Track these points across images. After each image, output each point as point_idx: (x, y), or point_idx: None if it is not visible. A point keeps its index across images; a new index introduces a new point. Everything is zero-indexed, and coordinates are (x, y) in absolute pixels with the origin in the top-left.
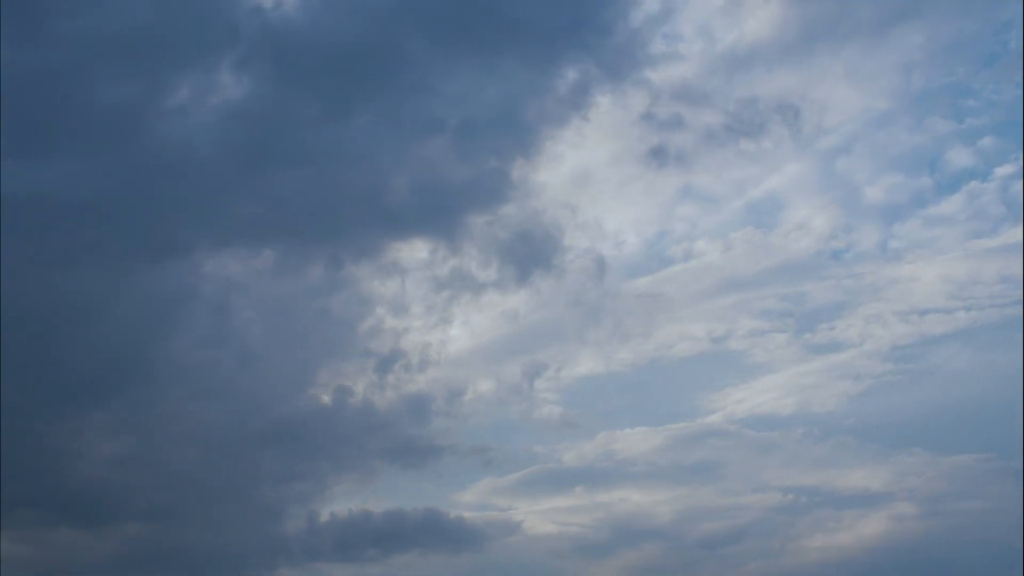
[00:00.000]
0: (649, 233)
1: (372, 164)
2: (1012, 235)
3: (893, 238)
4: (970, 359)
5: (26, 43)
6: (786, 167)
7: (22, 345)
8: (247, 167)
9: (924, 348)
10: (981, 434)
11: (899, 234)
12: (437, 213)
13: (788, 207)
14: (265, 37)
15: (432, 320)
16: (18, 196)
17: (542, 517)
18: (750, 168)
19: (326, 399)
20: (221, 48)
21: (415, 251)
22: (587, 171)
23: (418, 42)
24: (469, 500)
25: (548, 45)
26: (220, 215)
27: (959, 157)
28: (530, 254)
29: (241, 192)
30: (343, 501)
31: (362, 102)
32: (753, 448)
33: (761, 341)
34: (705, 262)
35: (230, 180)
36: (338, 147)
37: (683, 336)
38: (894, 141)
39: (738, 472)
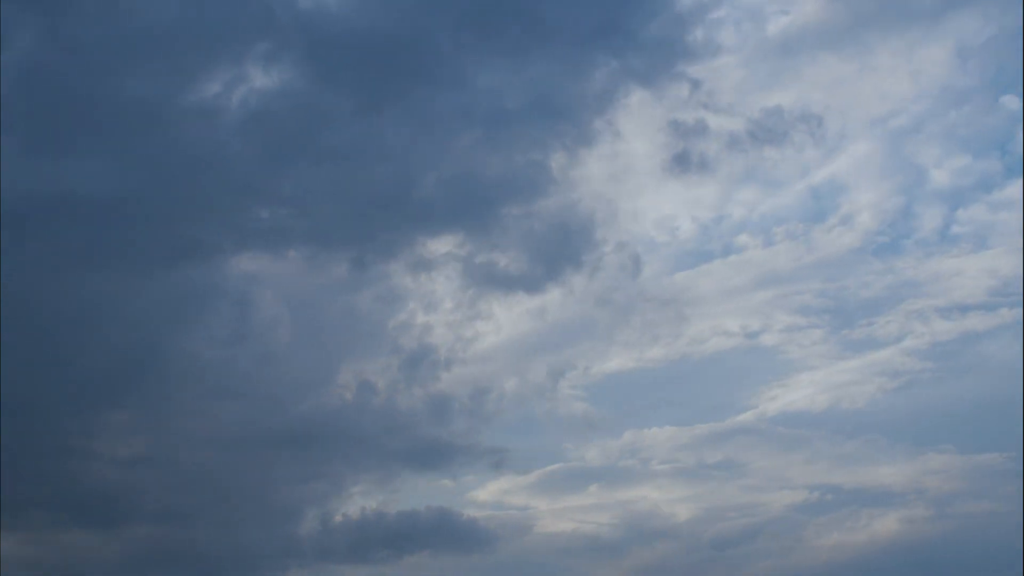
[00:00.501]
0: (706, 218)
1: (404, 159)
2: None
3: (956, 223)
4: (1012, 356)
5: (49, 39)
6: (851, 148)
7: (38, 345)
8: (275, 163)
9: (965, 345)
10: (1013, 432)
11: (962, 219)
12: (468, 208)
13: (849, 191)
14: (298, 27)
15: (460, 317)
16: (40, 195)
17: (558, 517)
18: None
19: (347, 398)
20: (252, 39)
21: (445, 246)
22: (626, 165)
23: (451, 34)
24: (487, 500)
25: (581, 42)
26: (245, 213)
27: None
28: (563, 249)
29: (268, 189)
30: (359, 502)
31: (395, 96)
32: (782, 446)
33: (797, 337)
34: (745, 257)
35: (257, 177)
36: (369, 142)
37: (716, 331)
38: (963, 123)
39: (764, 470)
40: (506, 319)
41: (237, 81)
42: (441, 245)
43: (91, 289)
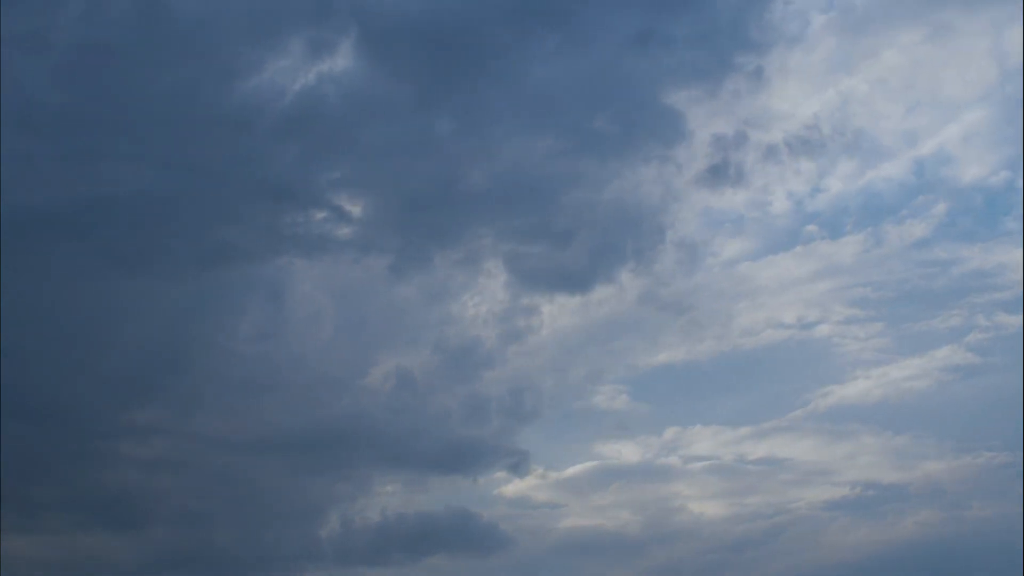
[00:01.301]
0: (801, 193)
1: (451, 153)
2: None
3: None
4: None
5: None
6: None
7: (66, 347)
8: (316, 162)
9: None
10: None
11: None
12: (517, 202)
13: (956, 163)
14: (354, 13)
15: (505, 314)
16: (76, 198)
17: (581, 516)
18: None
19: (380, 397)
20: (301, 28)
21: (492, 241)
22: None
23: (504, 24)
24: (514, 498)
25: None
26: (282, 217)
27: None
28: (614, 244)
29: (307, 191)
30: (382, 503)
31: (445, 89)
32: (830, 439)
33: (854, 330)
34: (810, 248)
35: (296, 179)
36: (417, 136)
37: (771, 323)
38: None
39: (807, 464)
40: (554, 314)
41: (280, 77)
42: (488, 240)
43: (122, 291)
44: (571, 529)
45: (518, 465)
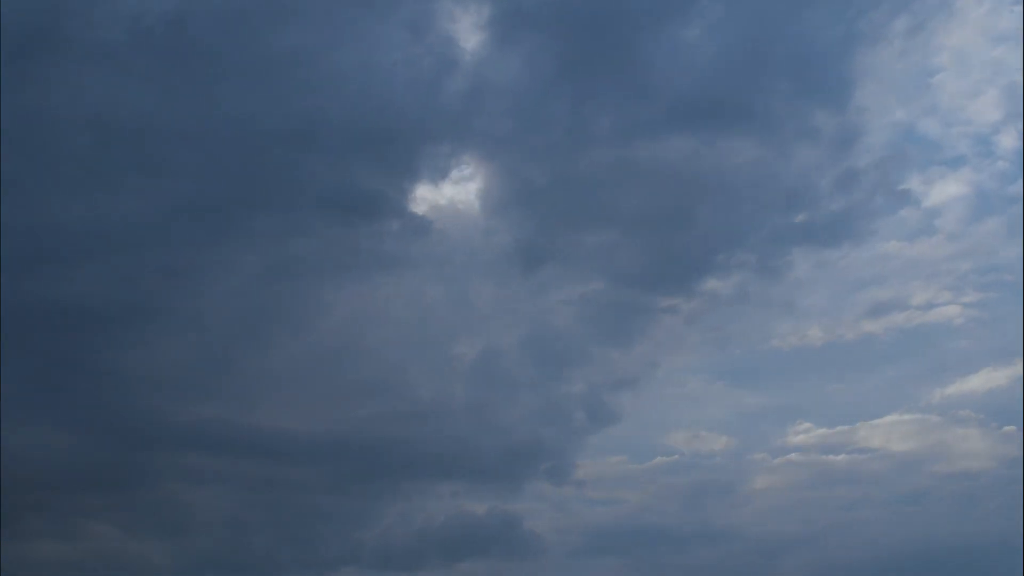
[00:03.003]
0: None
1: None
2: None
3: None
4: None
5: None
6: None
7: (113, 356)
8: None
9: None
10: None
11: None
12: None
13: None
14: None
15: (603, 307)
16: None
17: (630, 515)
18: None
19: (455, 394)
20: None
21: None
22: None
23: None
24: (568, 498)
25: None
26: (355, 230)
27: None
28: (730, 233)
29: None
30: (432, 505)
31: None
32: (933, 429)
33: (981, 315)
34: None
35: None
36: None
37: (894, 306)
38: None
39: (902, 456)
40: (656, 305)
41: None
42: (595, 240)
43: (177, 302)
44: (611, 528)
45: (555, 470)
